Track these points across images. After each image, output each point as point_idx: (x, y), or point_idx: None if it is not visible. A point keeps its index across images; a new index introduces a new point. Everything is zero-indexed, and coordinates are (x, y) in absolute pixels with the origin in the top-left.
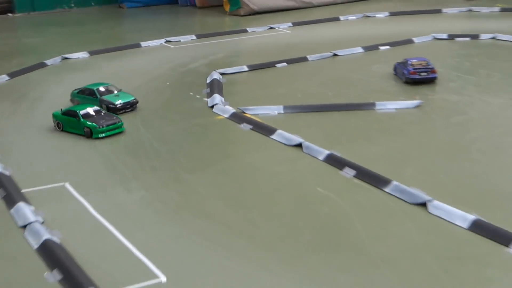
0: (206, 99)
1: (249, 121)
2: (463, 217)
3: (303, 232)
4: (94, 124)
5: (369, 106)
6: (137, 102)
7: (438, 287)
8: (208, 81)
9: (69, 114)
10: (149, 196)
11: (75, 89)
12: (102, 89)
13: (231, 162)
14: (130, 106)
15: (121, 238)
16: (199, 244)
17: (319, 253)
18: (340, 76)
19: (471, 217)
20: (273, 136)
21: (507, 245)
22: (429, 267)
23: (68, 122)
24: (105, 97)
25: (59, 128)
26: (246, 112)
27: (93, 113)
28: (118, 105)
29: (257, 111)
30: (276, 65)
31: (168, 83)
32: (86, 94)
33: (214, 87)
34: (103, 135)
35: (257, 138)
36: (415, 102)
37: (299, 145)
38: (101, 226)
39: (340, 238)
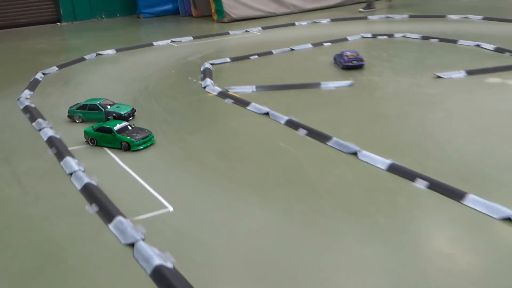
0: (200, 82)
1: (231, 97)
2: (382, 162)
3: (269, 174)
4: (131, 138)
5: (316, 85)
6: (135, 110)
7: (363, 208)
8: (201, 69)
9: (103, 130)
10: (161, 151)
11: (72, 106)
12: (101, 103)
13: (219, 126)
14: (132, 115)
15: (140, 181)
16: (196, 184)
17: (281, 188)
18: (295, 64)
19: (388, 161)
20: (248, 107)
21: (412, 181)
22: (357, 195)
23: (103, 138)
24: (109, 109)
25: (92, 143)
26: (229, 90)
27: (124, 128)
28: (124, 115)
29: (237, 90)
30: (250, 57)
31: (173, 71)
32: (88, 109)
33: (206, 73)
34: (140, 147)
35: (237, 109)
36: (348, 82)
37: (267, 114)
38: (126, 173)
39: (296, 178)
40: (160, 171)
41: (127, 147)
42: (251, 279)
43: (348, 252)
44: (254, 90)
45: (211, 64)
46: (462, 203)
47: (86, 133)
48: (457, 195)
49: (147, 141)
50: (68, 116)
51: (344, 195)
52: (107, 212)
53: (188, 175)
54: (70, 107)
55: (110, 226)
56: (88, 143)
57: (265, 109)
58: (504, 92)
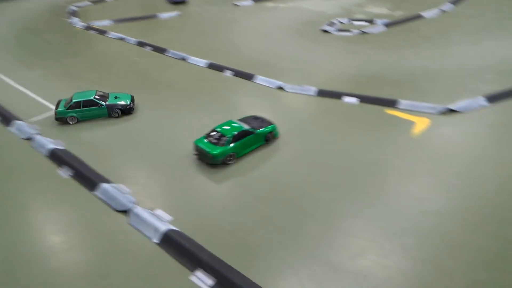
0: (69, 20)
1: (94, 29)
2: (203, 62)
3: (129, 78)
4: (271, 125)
5: (155, 16)
6: (133, 97)
7: (193, 92)
8: (69, 11)
9: (241, 136)
10: (46, 72)
11: (57, 107)
12: (97, 96)
13: (87, 50)
14: (133, 102)
15: (33, 95)
16: (72, 89)
17: (138, 86)
18: (140, 3)
19: (206, 61)
20: (109, 35)
21: (222, 71)
22: (189, 85)
23: (243, 145)
24: (111, 102)
25: (230, 160)
26: (92, 25)
27: (252, 122)
28: (130, 105)
29: (98, 24)
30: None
31: (50, 14)
32: (84, 106)
33: (73, 13)
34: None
35: (100, 37)
36: (177, 13)
37: (122, 39)
38: (19, 91)
39: (147, 79)
40: (45, 85)
41: (272, 137)
42: (125, 148)
43: (184, 118)
44: (112, 23)
45: (76, 6)
46: (251, 81)
47: (220, 154)
48: (250, 77)
49: None
50: (57, 119)
51: (180, 86)
52: (5, 117)
53: (69, 87)
54: (56, 109)
55: (11, 129)
56: (225, 163)
57: (120, 35)
58: (277, 12)
